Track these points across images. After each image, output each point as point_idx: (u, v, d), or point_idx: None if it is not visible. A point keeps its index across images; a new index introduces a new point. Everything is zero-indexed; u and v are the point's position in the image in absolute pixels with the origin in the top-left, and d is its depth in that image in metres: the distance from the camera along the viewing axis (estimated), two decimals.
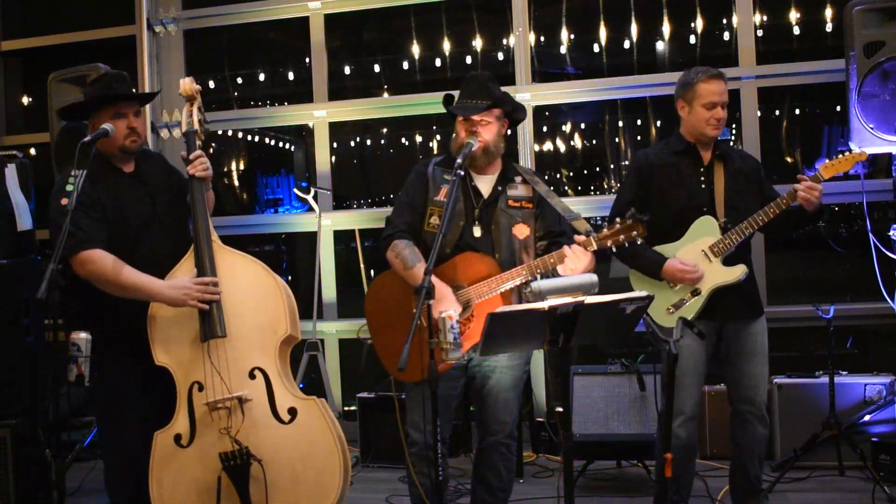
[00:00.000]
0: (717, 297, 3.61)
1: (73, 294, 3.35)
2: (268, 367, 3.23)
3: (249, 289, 3.28)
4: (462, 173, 3.21)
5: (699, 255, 3.62)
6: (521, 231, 3.40)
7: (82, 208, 3.18)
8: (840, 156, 3.58)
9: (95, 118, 3.31)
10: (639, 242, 3.18)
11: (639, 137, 6.64)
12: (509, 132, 3.55)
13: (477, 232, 3.39)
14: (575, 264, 3.16)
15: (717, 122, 3.64)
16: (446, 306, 3.15)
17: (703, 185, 3.69)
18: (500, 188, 3.44)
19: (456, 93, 3.48)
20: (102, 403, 3.42)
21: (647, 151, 3.88)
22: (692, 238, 3.65)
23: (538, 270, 3.23)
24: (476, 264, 3.30)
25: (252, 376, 3.23)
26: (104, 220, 3.26)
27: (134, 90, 3.41)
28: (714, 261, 3.60)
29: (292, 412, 3.20)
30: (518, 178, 3.47)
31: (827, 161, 3.58)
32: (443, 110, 3.51)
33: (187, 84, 3.44)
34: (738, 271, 3.60)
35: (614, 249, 3.19)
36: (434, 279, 3.08)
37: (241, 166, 7.61)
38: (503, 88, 3.49)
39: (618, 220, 3.18)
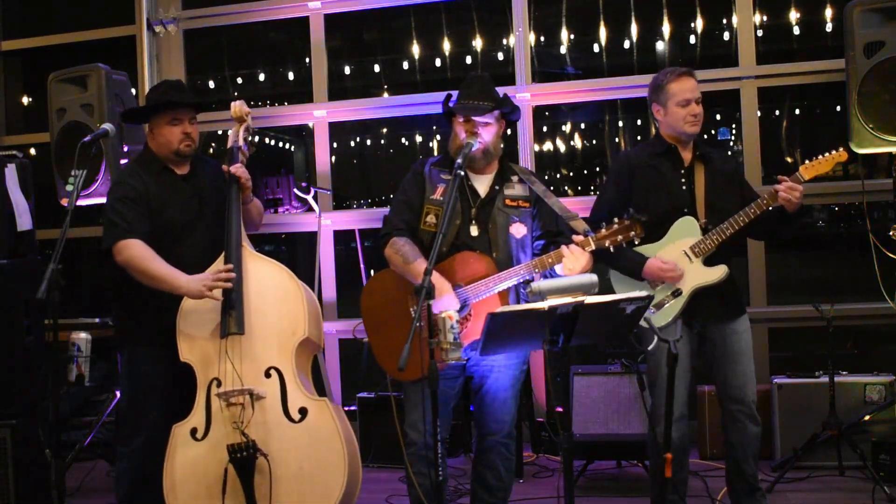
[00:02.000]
0: (698, 298, 3.61)
1: (115, 282, 3.52)
2: (284, 368, 3.34)
3: (273, 291, 3.42)
4: (462, 173, 3.21)
5: (680, 255, 3.62)
6: (519, 230, 3.41)
7: (129, 201, 3.41)
8: (820, 156, 3.58)
9: (153, 123, 3.54)
10: (636, 243, 3.18)
11: (639, 137, 6.64)
12: (508, 132, 3.56)
13: (474, 231, 3.39)
14: (573, 264, 3.16)
15: (694, 118, 3.65)
16: (446, 301, 3.15)
17: (684, 187, 3.69)
18: (496, 187, 3.44)
19: (455, 93, 3.48)
20: (128, 392, 3.57)
21: (628, 153, 3.92)
22: (673, 239, 3.65)
23: (536, 270, 3.23)
24: (473, 264, 3.30)
25: (268, 375, 3.33)
26: (148, 215, 3.44)
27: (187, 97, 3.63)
28: (695, 261, 3.61)
29: (303, 412, 3.30)
30: (515, 178, 3.48)
31: (807, 162, 3.58)
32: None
33: (237, 107, 3.67)
34: (719, 272, 3.59)
35: (612, 249, 3.19)
36: (433, 275, 3.08)
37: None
38: (503, 88, 3.50)
39: (615, 220, 3.18)
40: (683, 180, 3.70)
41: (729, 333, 3.66)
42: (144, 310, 3.48)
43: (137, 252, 3.33)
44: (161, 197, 3.50)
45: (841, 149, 3.58)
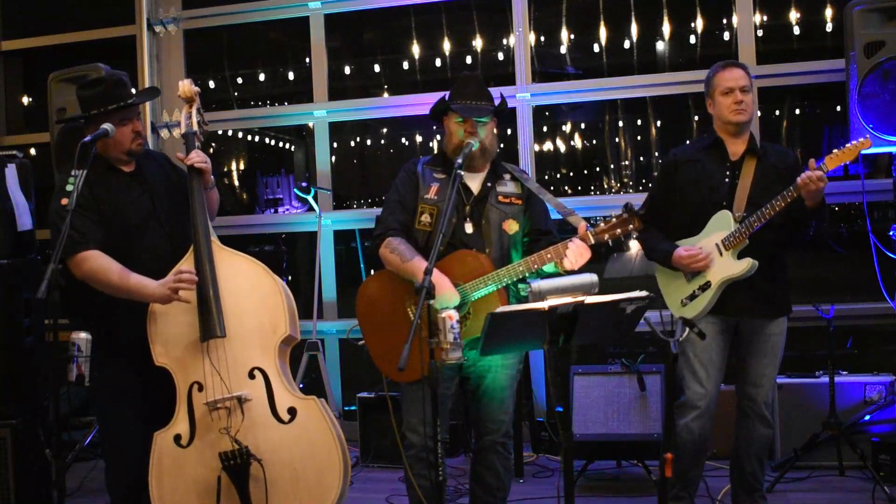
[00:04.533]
0: (731, 292, 3.61)
1: (73, 294, 3.35)
2: (267, 367, 3.25)
3: (249, 289, 3.29)
4: (462, 173, 3.22)
5: (713, 248, 3.64)
6: (511, 227, 3.42)
7: (78, 209, 3.17)
8: (844, 146, 3.54)
9: (99, 122, 3.27)
10: (635, 236, 3.20)
11: (639, 137, 6.64)
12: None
13: (468, 228, 3.40)
14: (576, 259, 3.17)
15: (737, 105, 3.64)
16: (446, 297, 3.15)
17: (727, 180, 3.69)
18: (489, 185, 3.46)
19: (439, 95, 3.49)
20: (103, 403, 3.43)
21: (675, 150, 3.94)
22: (708, 232, 3.67)
23: (535, 266, 3.24)
24: (470, 262, 3.30)
25: (252, 376, 3.24)
26: (101, 221, 3.27)
27: (133, 90, 3.41)
28: (725, 254, 3.60)
29: (292, 412, 3.22)
30: (507, 176, 3.50)
31: (835, 151, 3.52)
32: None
33: (185, 86, 3.47)
34: (744, 265, 3.57)
35: (611, 244, 3.19)
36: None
37: (241, 166, 7.61)
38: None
39: (613, 214, 3.20)
40: (728, 174, 3.70)
41: (759, 332, 3.68)
42: (108, 320, 3.32)
43: (98, 263, 3.17)
44: (111, 199, 3.30)
45: (866, 136, 3.56)
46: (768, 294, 3.68)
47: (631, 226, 3.16)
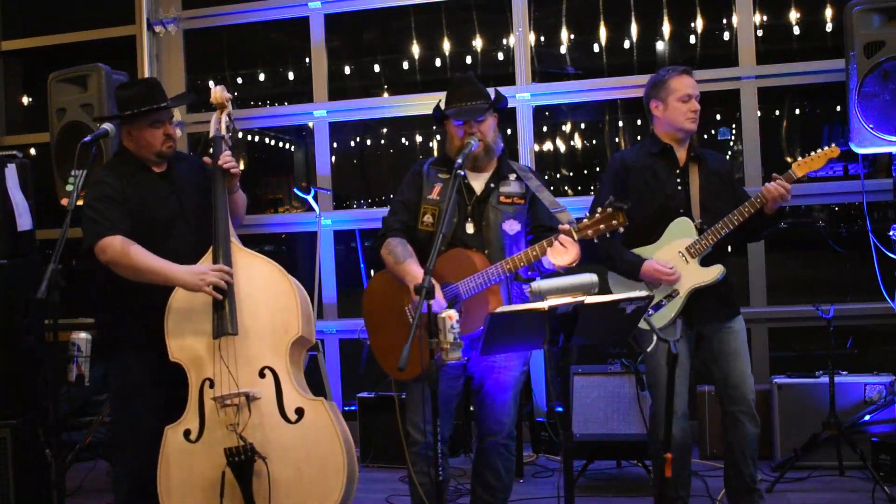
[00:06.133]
0: (696, 298, 3.62)
1: (98, 284, 3.43)
2: (278, 367, 3.28)
3: (264, 289, 3.35)
4: (463, 173, 3.21)
5: (676, 256, 3.63)
6: (512, 227, 3.42)
7: (108, 200, 3.31)
8: (812, 153, 3.58)
9: (131, 126, 3.42)
10: (620, 231, 3.09)
11: (638, 137, 6.64)
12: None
13: (470, 229, 3.40)
14: (562, 256, 3.14)
15: (694, 114, 3.67)
16: (434, 303, 3.13)
17: (679, 187, 3.70)
18: (492, 185, 3.46)
19: (439, 95, 3.49)
20: (117, 394, 3.49)
21: (623, 154, 3.91)
22: (669, 240, 3.65)
23: (521, 263, 3.22)
24: (465, 260, 3.30)
25: (262, 375, 3.28)
26: (128, 215, 3.34)
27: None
28: (691, 262, 3.61)
29: (299, 412, 3.25)
30: (512, 176, 3.49)
31: (800, 159, 3.58)
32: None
33: (218, 93, 3.57)
34: (714, 271, 3.60)
35: (596, 240, 3.12)
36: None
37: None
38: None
39: (598, 209, 3.09)
40: (679, 180, 3.71)
41: (726, 333, 3.68)
42: (131, 311, 3.39)
43: (121, 247, 3.22)
44: (139, 196, 3.39)
45: (833, 145, 3.58)
46: (724, 296, 3.70)
47: (615, 221, 3.05)
